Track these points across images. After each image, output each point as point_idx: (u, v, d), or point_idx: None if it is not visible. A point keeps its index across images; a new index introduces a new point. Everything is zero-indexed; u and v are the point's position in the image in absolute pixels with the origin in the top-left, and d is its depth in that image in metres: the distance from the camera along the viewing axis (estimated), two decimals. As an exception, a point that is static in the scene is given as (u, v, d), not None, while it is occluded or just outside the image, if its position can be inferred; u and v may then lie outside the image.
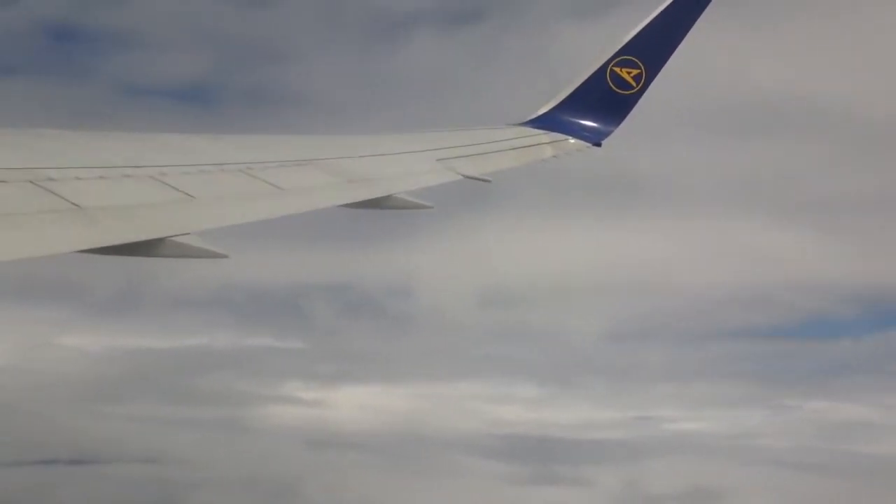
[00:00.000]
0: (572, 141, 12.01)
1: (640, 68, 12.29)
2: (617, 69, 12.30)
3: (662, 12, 12.36)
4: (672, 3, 12.32)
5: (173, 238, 4.95)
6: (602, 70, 12.34)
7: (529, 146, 11.22)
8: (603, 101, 12.27)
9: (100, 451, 29.69)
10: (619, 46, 12.39)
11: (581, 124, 12.22)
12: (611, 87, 12.31)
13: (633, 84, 12.32)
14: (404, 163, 8.77)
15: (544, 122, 12.15)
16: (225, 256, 5.12)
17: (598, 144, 12.24)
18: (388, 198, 7.53)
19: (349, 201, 7.09)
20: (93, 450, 29.59)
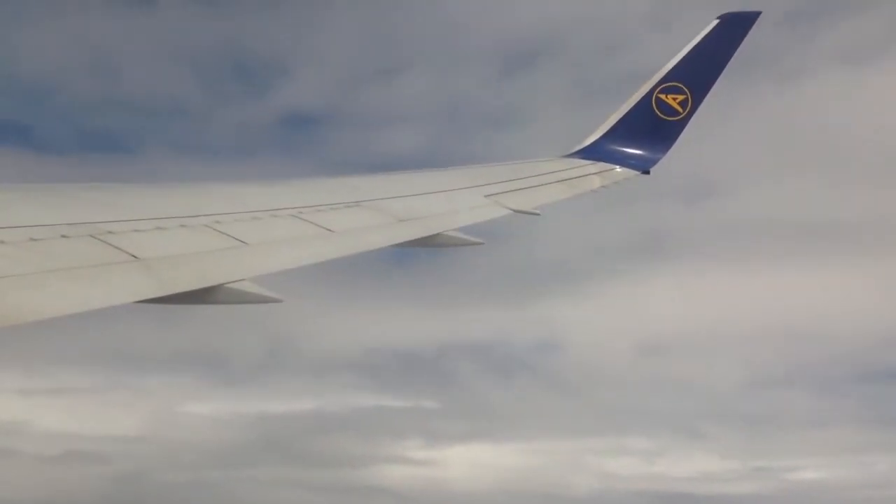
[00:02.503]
0: (619, 170, 11.99)
1: (685, 94, 12.25)
2: (662, 96, 12.28)
3: (706, 37, 12.34)
4: (715, 27, 12.30)
5: (228, 285, 5.06)
6: (647, 97, 12.33)
7: (577, 177, 11.22)
8: (649, 128, 12.25)
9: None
10: (663, 73, 12.38)
11: (628, 153, 12.21)
12: (657, 114, 12.29)
13: (680, 110, 12.29)
14: (453, 199, 8.84)
15: (591, 152, 12.17)
16: (279, 301, 5.21)
17: (647, 172, 12.20)
18: (437, 236, 7.59)
19: (399, 241, 7.17)
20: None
